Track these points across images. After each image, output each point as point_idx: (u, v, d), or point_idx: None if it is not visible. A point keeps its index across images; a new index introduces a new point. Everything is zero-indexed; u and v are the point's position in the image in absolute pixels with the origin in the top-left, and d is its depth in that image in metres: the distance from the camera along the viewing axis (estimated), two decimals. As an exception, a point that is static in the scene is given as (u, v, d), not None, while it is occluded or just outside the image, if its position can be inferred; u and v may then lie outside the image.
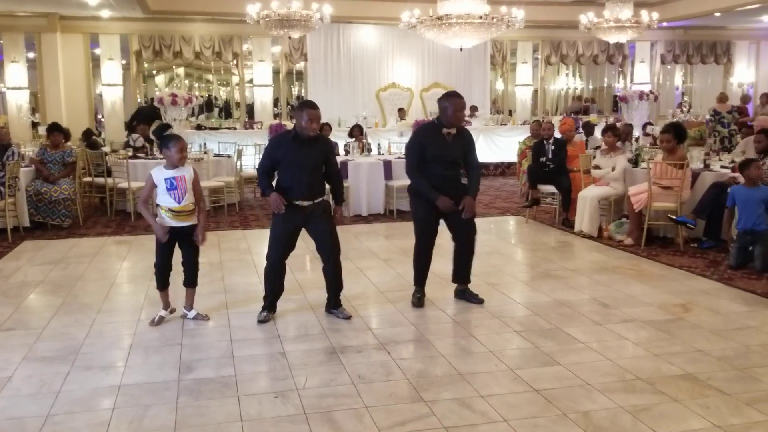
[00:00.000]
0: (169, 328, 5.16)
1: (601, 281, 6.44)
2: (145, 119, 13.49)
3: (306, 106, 5.18)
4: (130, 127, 14.19)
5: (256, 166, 12.07)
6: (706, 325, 5.13)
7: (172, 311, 5.44)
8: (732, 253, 6.87)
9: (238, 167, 11.21)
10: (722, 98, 13.05)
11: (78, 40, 16.61)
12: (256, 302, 5.81)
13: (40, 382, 4.19)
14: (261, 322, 5.28)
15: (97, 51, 17.00)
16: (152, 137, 12.07)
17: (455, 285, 5.90)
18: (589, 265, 7.14)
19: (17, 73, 16.11)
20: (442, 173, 5.47)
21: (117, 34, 16.78)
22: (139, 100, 17.46)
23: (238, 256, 7.68)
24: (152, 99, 16.17)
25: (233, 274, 6.81)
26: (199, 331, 5.13)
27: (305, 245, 8.05)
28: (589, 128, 12.40)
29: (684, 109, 14.95)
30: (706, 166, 8.38)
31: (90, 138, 13.01)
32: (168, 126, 11.88)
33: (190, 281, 5.36)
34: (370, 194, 10.26)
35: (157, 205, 5.15)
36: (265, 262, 5.42)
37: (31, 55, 16.55)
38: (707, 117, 14.23)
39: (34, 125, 16.24)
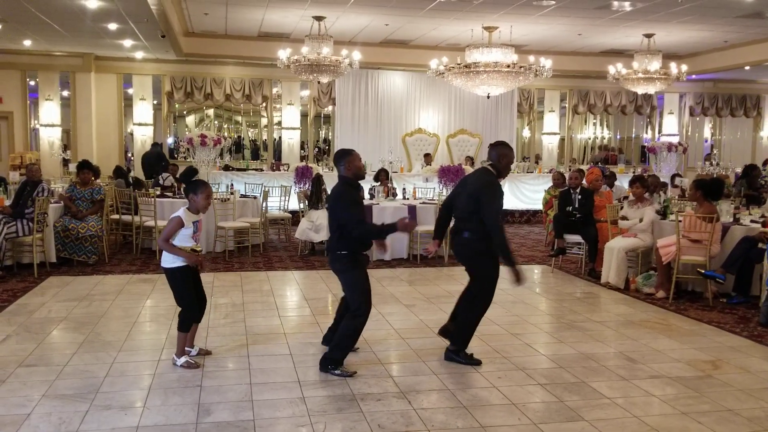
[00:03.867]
0: (190, 369, 5.12)
1: (628, 335, 6.32)
2: (158, 163, 13.82)
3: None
4: (149, 174, 14.52)
5: (283, 208, 12.28)
6: (736, 384, 4.99)
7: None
8: (763, 310, 6.72)
9: (264, 208, 11.26)
10: None
11: (111, 79, 17.01)
12: (277, 344, 5.78)
13: (59, 420, 4.16)
14: (349, 375, 5.07)
15: (130, 91, 17.38)
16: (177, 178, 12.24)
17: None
18: (615, 318, 7.01)
19: (51, 110, 16.50)
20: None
21: (150, 74, 17.16)
22: (170, 140, 17.72)
23: (261, 297, 7.66)
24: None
25: (255, 316, 6.78)
26: (218, 373, 5.09)
27: (328, 288, 8.06)
28: (610, 179, 12.33)
29: (713, 162, 14.81)
30: (736, 220, 8.26)
31: (122, 174, 13.20)
32: (195, 171, 12.03)
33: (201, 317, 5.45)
34: (394, 239, 10.18)
35: (173, 246, 5.18)
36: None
37: (65, 93, 16.94)
38: (737, 170, 14.10)
39: (65, 162, 16.53)
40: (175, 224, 5.13)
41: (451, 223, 5.62)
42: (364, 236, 5.09)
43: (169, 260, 5.18)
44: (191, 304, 5.27)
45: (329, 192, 5.35)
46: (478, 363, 5.34)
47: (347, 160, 5.14)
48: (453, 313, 5.71)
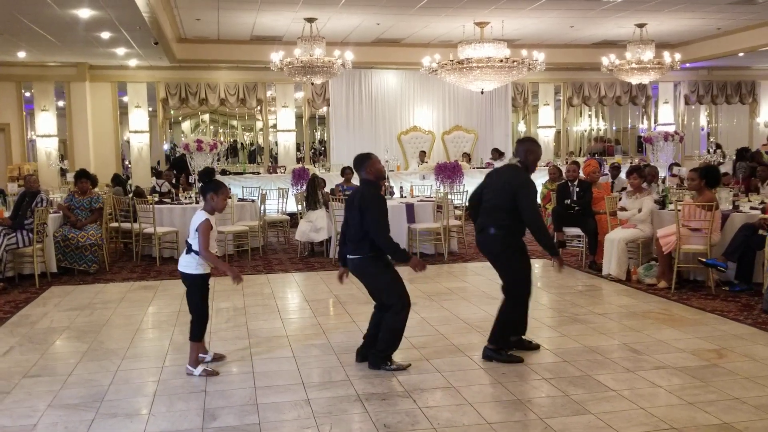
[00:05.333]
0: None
1: (632, 326, 6.31)
2: (177, 168, 13.77)
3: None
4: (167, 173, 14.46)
5: (282, 210, 12.27)
6: (742, 372, 4.98)
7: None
8: (766, 297, 6.71)
9: (262, 211, 11.25)
10: None
11: (106, 88, 17.00)
12: (280, 348, 5.78)
13: (65, 430, 4.16)
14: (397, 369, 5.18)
15: (125, 99, 17.38)
16: (181, 182, 12.22)
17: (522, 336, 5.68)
18: (618, 310, 7.01)
19: (47, 121, 16.48)
20: None
21: (144, 82, 17.17)
22: (165, 147, 17.73)
23: (261, 300, 7.66)
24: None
25: (257, 319, 6.78)
26: (223, 378, 5.08)
27: (329, 290, 8.05)
28: (615, 170, 12.35)
29: (711, 150, 14.81)
30: (736, 208, 8.25)
31: (120, 182, 13.18)
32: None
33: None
34: (393, 237, 10.15)
35: (218, 258, 5.11)
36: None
37: (60, 103, 16.94)
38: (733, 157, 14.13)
39: (63, 172, 16.51)
40: (207, 228, 5.01)
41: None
42: (384, 246, 5.19)
43: (192, 265, 5.09)
44: (205, 315, 5.21)
45: (345, 194, 5.44)
46: (519, 360, 5.30)
47: (367, 164, 5.26)
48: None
